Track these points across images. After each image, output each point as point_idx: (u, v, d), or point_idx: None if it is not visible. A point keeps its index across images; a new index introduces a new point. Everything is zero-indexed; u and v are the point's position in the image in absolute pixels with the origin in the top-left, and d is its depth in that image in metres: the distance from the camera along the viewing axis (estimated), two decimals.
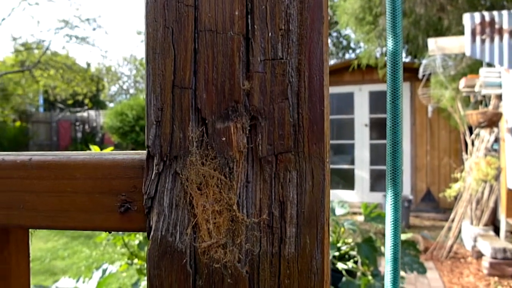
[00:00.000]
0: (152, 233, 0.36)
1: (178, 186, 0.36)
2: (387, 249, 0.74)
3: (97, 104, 18.98)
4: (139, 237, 3.37)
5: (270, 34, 0.34)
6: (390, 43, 0.72)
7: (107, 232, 3.01)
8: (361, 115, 8.08)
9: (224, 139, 0.34)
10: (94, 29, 18.16)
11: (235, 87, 0.34)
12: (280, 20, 0.34)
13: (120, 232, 3.23)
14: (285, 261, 0.34)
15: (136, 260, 3.37)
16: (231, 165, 0.34)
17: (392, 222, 0.76)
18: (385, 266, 0.64)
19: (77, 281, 2.15)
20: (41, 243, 5.88)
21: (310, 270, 0.33)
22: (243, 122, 0.34)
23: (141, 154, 0.40)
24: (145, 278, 3.06)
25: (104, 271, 2.33)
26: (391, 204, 0.77)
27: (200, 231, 0.35)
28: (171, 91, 0.35)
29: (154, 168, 0.36)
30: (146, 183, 0.37)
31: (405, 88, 7.55)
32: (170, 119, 0.35)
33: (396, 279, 0.77)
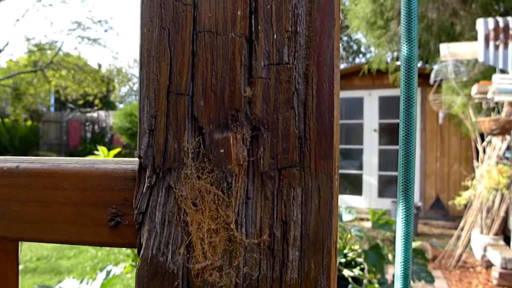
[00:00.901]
0: (142, 251, 0.33)
1: (172, 201, 0.33)
2: (397, 265, 0.70)
3: (107, 104, 19.16)
4: None
5: (275, 36, 0.30)
6: (404, 48, 0.68)
7: None
8: (370, 120, 7.99)
9: (222, 151, 0.31)
10: (105, 30, 18.37)
11: (236, 94, 0.31)
12: (287, 21, 0.30)
13: None
14: None
15: None
16: (230, 180, 0.31)
17: (403, 237, 0.71)
18: (395, 282, 0.60)
19: (81, 282, 2.14)
20: None
21: None
22: (244, 133, 0.31)
23: (135, 163, 0.37)
24: None
25: (108, 272, 2.32)
26: (402, 218, 0.73)
27: (194, 251, 0.32)
28: (166, 97, 0.32)
29: (146, 180, 0.33)
30: (137, 197, 0.34)
31: None
32: (164, 127, 0.32)
33: None
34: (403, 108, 0.71)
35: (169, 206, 0.33)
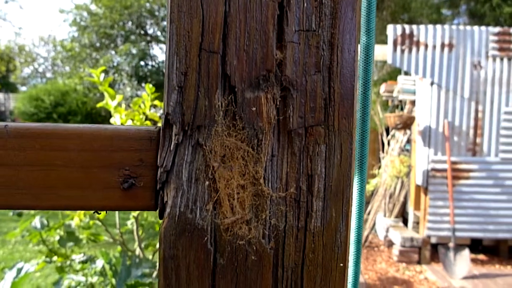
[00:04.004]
0: (168, 209, 0.33)
1: (200, 159, 0.33)
2: (351, 230, 0.78)
3: (7, 86, 16.79)
4: (60, 232, 3.09)
5: (305, 4, 0.33)
6: (363, 38, 0.76)
7: (21, 228, 2.68)
8: None
9: (254, 109, 0.32)
10: (6, 1, 15.99)
11: (268, 55, 0.33)
12: None
13: (38, 227, 2.93)
14: (311, 235, 0.33)
15: (55, 258, 3.08)
16: (260, 137, 0.33)
17: (357, 206, 0.80)
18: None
19: None
20: None
21: (334, 243, 0.33)
22: (274, 93, 0.33)
23: (146, 127, 0.36)
24: (68, 276, 2.80)
25: (19, 270, 2.10)
26: (357, 189, 0.81)
27: (222, 207, 0.33)
28: (198, 54, 0.32)
29: (173, 138, 0.33)
30: (162, 155, 0.33)
31: None
32: (195, 85, 0.32)
33: (358, 260, 0.81)
34: (361, 91, 0.79)
35: (197, 164, 0.33)
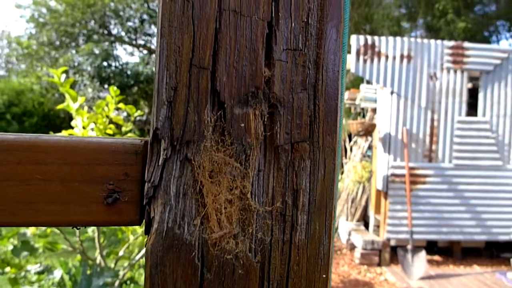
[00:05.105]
0: (155, 225, 0.32)
1: (188, 174, 0.33)
2: None
3: None
4: (14, 241, 2.92)
5: (293, 24, 0.34)
6: None
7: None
8: None
9: (242, 125, 0.33)
10: None
11: (257, 73, 0.33)
12: (303, 12, 0.34)
13: None
14: (296, 248, 0.34)
15: (8, 269, 2.89)
16: (248, 152, 0.33)
17: None
18: None
19: None
20: None
21: (317, 255, 0.34)
22: (262, 109, 0.33)
23: (131, 139, 0.35)
24: None
25: None
26: None
27: (209, 222, 0.33)
28: (188, 70, 0.32)
29: (162, 153, 0.33)
30: (150, 170, 0.33)
31: None
32: (185, 100, 0.32)
33: (329, 265, 0.84)
34: None
35: (185, 179, 0.33)
